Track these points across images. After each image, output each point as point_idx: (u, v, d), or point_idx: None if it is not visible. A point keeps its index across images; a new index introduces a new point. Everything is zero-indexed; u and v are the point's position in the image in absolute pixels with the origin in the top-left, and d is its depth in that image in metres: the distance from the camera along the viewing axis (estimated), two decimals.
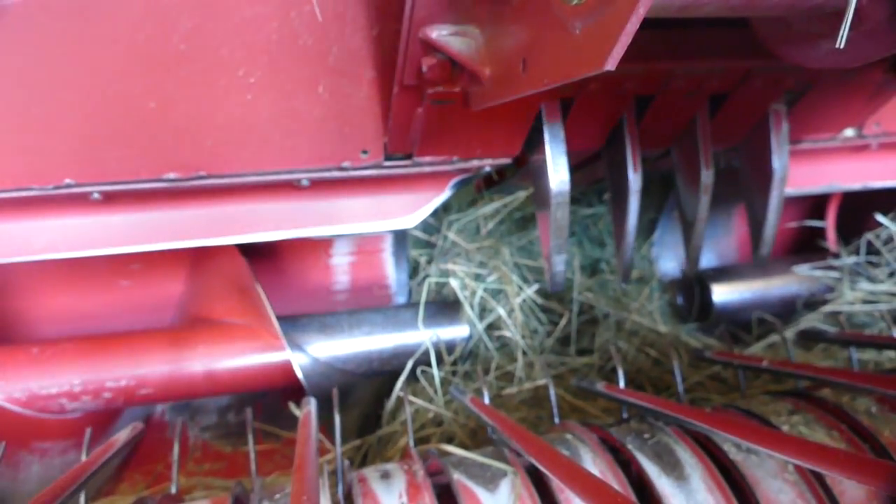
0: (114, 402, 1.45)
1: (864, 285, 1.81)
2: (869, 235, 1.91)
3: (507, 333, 1.70)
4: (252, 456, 1.05)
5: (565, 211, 1.27)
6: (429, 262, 1.90)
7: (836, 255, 1.98)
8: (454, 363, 1.64)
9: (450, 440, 1.44)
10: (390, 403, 1.59)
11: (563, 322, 1.74)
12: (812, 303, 1.90)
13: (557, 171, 1.24)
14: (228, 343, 1.48)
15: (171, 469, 1.07)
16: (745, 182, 1.61)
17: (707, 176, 1.40)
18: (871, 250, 1.92)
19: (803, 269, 1.91)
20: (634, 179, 1.36)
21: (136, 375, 1.44)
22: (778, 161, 1.44)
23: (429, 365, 1.59)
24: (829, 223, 2.11)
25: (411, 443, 1.03)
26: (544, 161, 1.24)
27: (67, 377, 1.41)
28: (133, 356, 1.44)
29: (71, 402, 1.42)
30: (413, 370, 1.59)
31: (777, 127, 1.42)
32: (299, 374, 1.47)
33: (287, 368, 1.47)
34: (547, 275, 1.38)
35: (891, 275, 1.84)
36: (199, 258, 1.63)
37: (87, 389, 1.42)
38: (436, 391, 1.55)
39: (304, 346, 1.54)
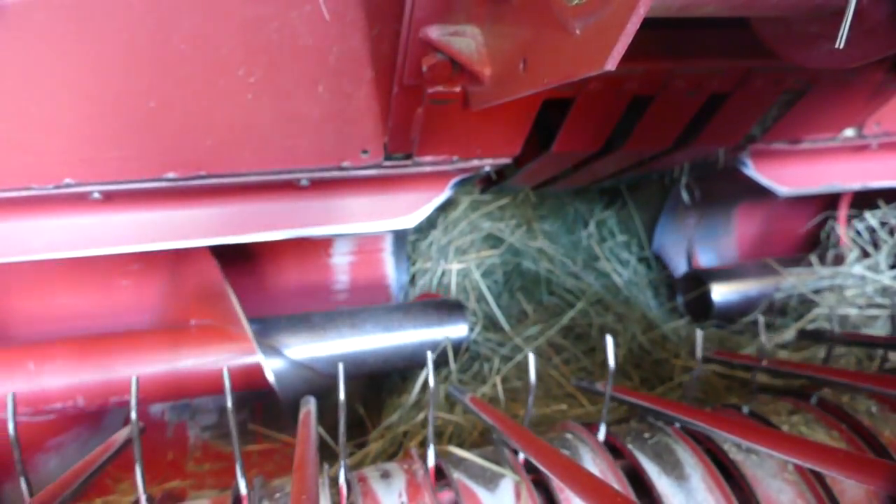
0: (99, 404, 1.40)
1: (859, 269, 1.81)
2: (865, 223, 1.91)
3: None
4: (237, 460, 1.03)
5: None
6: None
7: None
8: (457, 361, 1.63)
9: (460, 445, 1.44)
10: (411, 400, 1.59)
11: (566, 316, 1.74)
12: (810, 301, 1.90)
13: None
14: (199, 345, 1.42)
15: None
16: None
17: None
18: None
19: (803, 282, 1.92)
20: None
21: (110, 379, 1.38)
22: None
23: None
24: (841, 220, 2.11)
25: (431, 439, 1.01)
26: None
27: (64, 380, 1.36)
28: (125, 358, 1.40)
29: (65, 404, 1.38)
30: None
31: None
32: (271, 378, 1.40)
33: (258, 371, 1.40)
34: None
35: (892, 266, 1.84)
36: (176, 261, 1.57)
37: (84, 392, 1.37)
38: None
39: (281, 348, 1.46)
